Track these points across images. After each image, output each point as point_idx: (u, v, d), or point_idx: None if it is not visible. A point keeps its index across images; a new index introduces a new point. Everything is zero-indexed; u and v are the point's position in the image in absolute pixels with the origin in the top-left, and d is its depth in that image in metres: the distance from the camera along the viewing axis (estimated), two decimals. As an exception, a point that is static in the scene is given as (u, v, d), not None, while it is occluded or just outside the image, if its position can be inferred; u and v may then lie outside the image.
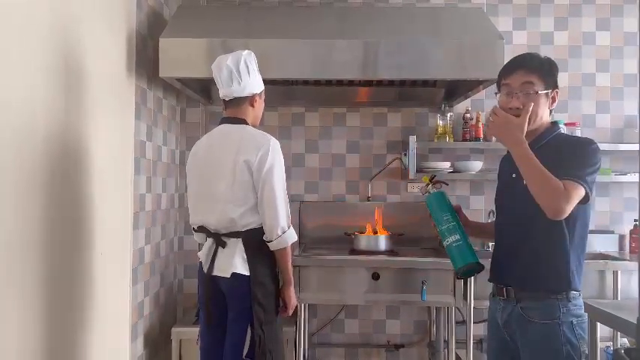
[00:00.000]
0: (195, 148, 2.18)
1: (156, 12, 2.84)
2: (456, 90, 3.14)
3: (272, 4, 3.39)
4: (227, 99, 2.11)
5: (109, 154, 2.26)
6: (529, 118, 1.69)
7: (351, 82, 3.20)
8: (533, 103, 1.69)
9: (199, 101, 3.32)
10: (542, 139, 1.75)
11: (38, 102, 1.71)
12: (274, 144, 2.04)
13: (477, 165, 3.19)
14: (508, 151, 1.77)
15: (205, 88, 3.25)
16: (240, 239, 2.03)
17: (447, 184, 1.83)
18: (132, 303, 2.54)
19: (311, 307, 3.26)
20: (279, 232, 2.01)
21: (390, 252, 2.91)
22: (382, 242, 2.94)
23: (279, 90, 3.22)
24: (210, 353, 2.13)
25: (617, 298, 2.76)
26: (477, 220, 2.29)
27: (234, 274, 2.00)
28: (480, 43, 2.56)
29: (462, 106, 3.31)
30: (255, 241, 2.04)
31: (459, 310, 3.03)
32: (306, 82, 3.16)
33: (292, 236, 2.06)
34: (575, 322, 1.67)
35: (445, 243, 1.76)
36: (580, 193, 1.60)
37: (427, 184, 1.86)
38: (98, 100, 2.15)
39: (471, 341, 2.81)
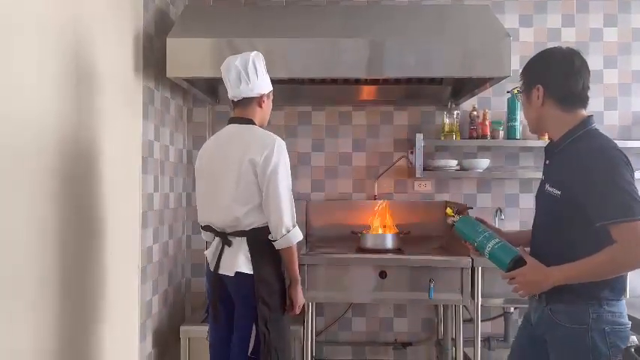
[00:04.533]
0: (204, 148, 2.20)
1: (163, 12, 2.85)
2: (463, 88, 3.14)
3: (278, 4, 3.39)
4: (235, 99, 2.13)
5: (117, 154, 2.28)
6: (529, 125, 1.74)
7: (357, 81, 3.20)
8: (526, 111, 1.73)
9: (206, 101, 3.34)
10: (563, 141, 1.65)
11: (50, 103, 1.73)
12: (280, 144, 2.05)
13: (483, 163, 3.19)
14: (545, 147, 1.74)
15: (212, 87, 3.26)
16: (244, 238, 2.05)
17: (472, 208, 1.84)
18: (141, 302, 2.56)
19: (318, 305, 3.27)
20: (284, 232, 2.03)
21: (397, 250, 2.91)
22: (389, 240, 2.94)
23: (285, 89, 3.22)
24: (217, 350, 2.17)
25: (626, 297, 2.74)
26: (510, 230, 2.18)
27: (237, 273, 2.03)
28: (487, 40, 2.55)
29: (468, 104, 3.30)
30: (259, 240, 2.05)
31: (467, 309, 3.02)
32: (312, 81, 3.17)
33: (297, 235, 2.07)
34: (608, 330, 1.55)
35: (487, 251, 1.71)
36: (638, 227, 1.43)
37: (453, 216, 1.87)
38: (106, 101, 2.16)
39: (479, 339, 2.80)
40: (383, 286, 2.72)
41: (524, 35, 3.38)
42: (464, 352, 2.87)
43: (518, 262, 1.62)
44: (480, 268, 2.72)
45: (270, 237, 2.05)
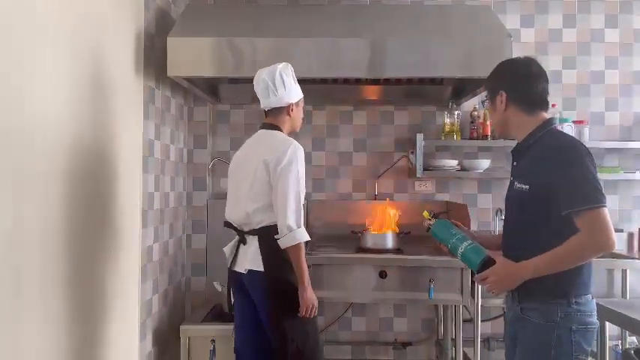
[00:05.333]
0: (237, 152, 2.33)
1: (163, 11, 2.85)
2: (464, 88, 3.14)
3: (279, 2, 3.39)
4: (266, 109, 2.25)
5: (119, 153, 2.28)
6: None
7: (358, 80, 3.20)
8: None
9: (207, 100, 3.33)
10: (527, 141, 1.76)
11: (55, 103, 1.73)
12: (295, 147, 2.13)
13: (484, 163, 3.19)
14: (512, 150, 1.85)
15: (213, 87, 3.26)
16: (256, 236, 2.13)
17: (447, 212, 1.92)
18: (141, 301, 2.56)
19: (318, 304, 3.26)
20: (286, 230, 2.06)
21: (397, 250, 2.91)
22: (389, 240, 2.93)
23: (285, 88, 3.22)
24: (240, 353, 2.25)
25: (625, 297, 2.75)
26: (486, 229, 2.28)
27: (249, 270, 2.12)
28: (488, 41, 2.55)
29: (469, 104, 3.30)
30: (269, 238, 2.10)
31: (467, 309, 3.03)
32: (313, 81, 3.16)
33: (301, 235, 2.08)
34: (575, 329, 1.62)
35: (459, 252, 1.79)
36: (600, 214, 1.53)
37: (429, 219, 1.93)
38: (107, 100, 2.17)
39: (479, 339, 2.80)
40: (383, 285, 2.72)
41: (525, 36, 3.37)
42: (463, 352, 2.87)
43: (488, 263, 1.69)
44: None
45: (276, 235, 2.09)
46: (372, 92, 3.35)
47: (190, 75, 2.65)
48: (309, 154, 3.42)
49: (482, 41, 2.56)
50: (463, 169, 3.20)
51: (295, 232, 2.06)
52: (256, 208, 2.11)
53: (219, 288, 2.91)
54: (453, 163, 3.18)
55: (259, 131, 2.27)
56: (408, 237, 3.05)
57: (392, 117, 3.42)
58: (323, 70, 2.61)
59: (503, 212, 3.25)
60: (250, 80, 3.07)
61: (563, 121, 3.18)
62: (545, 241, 1.61)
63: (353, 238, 3.05)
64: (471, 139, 3.25)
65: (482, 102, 1.84)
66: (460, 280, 2.69)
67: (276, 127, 2.23)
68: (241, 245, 2.18)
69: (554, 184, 1.60)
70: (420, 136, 3.08)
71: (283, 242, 2.07)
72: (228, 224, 2.27)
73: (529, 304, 1.69)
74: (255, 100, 3.31)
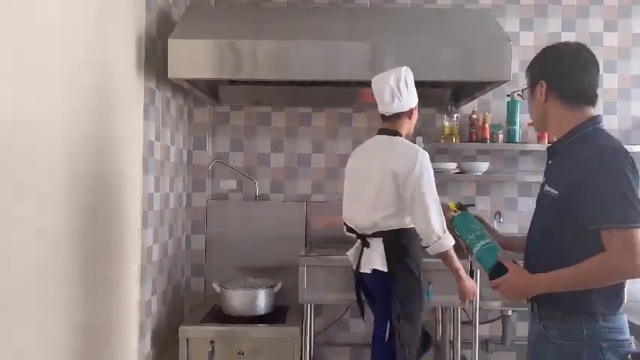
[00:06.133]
0: (354, 152, 2.46)
1: (165, 13, 2.86)
2: (463, 91, 3.15)
3: (279, 5, 3.40)
4: (387, 114, 2.29)
5: (119, 154, 2.28)
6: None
7: (357, 83, 3.20)
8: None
9: (207, 101, 3.34)
10: (565, 140, 1.57)
11: (57, 106, 1.73)
12: (422, 154, 2.21)
13: (483, 166, 3.20)
14: (547, 147, 1.66)
15: (213, 88, 3.27)
16: (381, 238, 2.24)
17: (474, 206, 1.83)
18: (140, 301, 2.57)
19: (316, 306, 3.27)
20: (435, 239, 2.17)
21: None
22: (388, 242, 2.94)
23: (285, 90, 3.23)
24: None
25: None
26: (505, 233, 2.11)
27: (374, 270, 2.24)
28: (488, 45, 2.56)
29: (468, 107, 3.31)
30: (394, 241, 2.22)
31: (465, 311, 3.03)
32: (312, 83, 3.17)
33: (449, 241, 2.18)
34: (605, 347, 1.44)
35: (475, 250, 1.70)
36: (632, 236, 1.35)
37: (454, 211, 1.86)
38: (109, 102, 2.17)
39: (477, 342, 2.82)
40: (382, 288, 2.72)
41: (524, 39, 3.39)
42: (461, 355, 2.88)
43: (497, 269, 1.58)
44: (477, 271, 2.73)
45: (422, 244, 2.23)
46: (371, 95, 3.34)
47: (191, 77, 2.65)
48: (308, 156, 3.43)
49: (481, 45, 2.57)
50: (462, 171, 3.21)
51: (443, 240, 2.18)
52: (383, 216, 2.22)
53: (217, 289, 2.91)
54: (452, 165, 3.19)
55: (381, 137, 2.32)
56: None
57: (391, 119, 3.42)
58: (323, 73, 2.61)
59: (502, 215, 3.31)
60: (251, 82, 3.12)
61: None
62: (568, 255, 1.46)
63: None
64: (469, 141, 3.27)
65: (522, 90, 1.69)
66: (459, 283, 2.70)
67: (397, 133, 2.28)
68: (365, 249, 2.29)
69: (584, 193, 1.42)
70: (419, 139, 3.09)
71: (433, 250, 2.20)
72: (350, 230, 2.39)
73: (550, 322, 1.53)
74: (255, 102, 3.39)
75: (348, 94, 3.32)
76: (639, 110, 3.38)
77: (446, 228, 2.17)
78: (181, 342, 2.76)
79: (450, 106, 3.33)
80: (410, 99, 2.26)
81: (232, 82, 3.18)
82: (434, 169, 3.10)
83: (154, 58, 2.67)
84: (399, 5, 3.38)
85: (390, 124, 2.30)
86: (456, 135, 3.24)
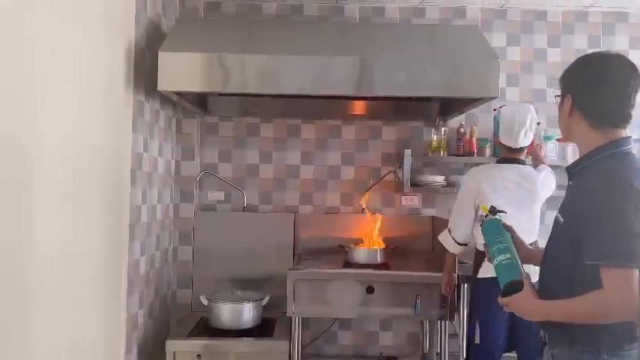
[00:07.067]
0: (492, 177, 2.58)
1: (154, 24, 2.85)
2: (451, 105, 3.18)
3: (269, 17, 3.41)
4: (514, 147, 2.57)
5: (107, 167, 2.27)
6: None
7: (347, 96, 3.22)
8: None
9: (195, 112, 3.33)
10: (583, 162, 1.47)
11: (43, 116, 1.72)
12: (547, 173, 2.66)
13: (470, 179, 3.23)
14: (566, 167, 1.56)
15: (202, 100, 3.26)
16: None
17: (505, 212, 1.78)
18: (127, 314, 2.54)
19: (304, 318, 3.27)
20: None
21: (384, 265, 2.93)
22: (376, 255, 2.96)
23: (275, 102, 3.24)
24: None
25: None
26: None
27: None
28: (476, 62, 2.58)
29: (456, 121, 3.35)
30: None
31: (452, 323, 3.05)
32: (301, 95, 3.18)
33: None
34: None
35: (495, 262, 1.66)
36: (629, 277, 1.27)
37: (486, 215, 1.82)
38: (98, 114, 2.16)
39: (464, 354, 2.83)
40: (370, 301, 2.73)
41: (511, 54, 3.44)
42: (449, 367, 2.89)
43: (512, 287, 1.55)
44: (465, 285, 2.75)
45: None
46: (360, 107, 3.38)
47: (181, 90, 2.64)
48: (297, 168, 3.44)
49: (469, 62, 2.59)
50: (449, 184, 3.24)
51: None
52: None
53: (205, 302, 2.90)
54: (439, 178, 3.22)
55: (519, 166, 2.59)
56: (395, 251, 3.08)
57: (380, 132, 3.45)
58: (312, 88, 2.59)
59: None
60: (241, 95, 3.11)
61: (547, 139, 3.24)
62: (573, 285, 1.39)
63: (340, 252, 3.07)
64: (457, 155, 3.30)
65: (556, 96, 1.57)
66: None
67: (523, 162, 2.62)
68: None
69: (587, 227, 1.34)
70: (407, 152, 3.12)
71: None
72: None
73: (557, 350, 1.47)
74: (244, 113, 3.39)
75: (338, 106, 3.33)
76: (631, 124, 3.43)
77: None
78: (168, 356, 2.73)
79: (437, 120, 3.36)
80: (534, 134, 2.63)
81: (222, 93, 3.17)
82: (422, 181, 3.19)
83: (143, 70, 2.65)
84: (387, 19, 3.41)
85: (518, 154, 2.61)
86: (444, 148, 3.27)
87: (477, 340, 2.53)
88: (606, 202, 1.33)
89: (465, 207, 2.63)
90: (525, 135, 2.54)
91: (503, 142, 2.60)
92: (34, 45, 1.67)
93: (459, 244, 2.64)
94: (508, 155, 2.61)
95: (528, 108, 2.58)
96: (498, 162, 2.66)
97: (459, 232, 2.64)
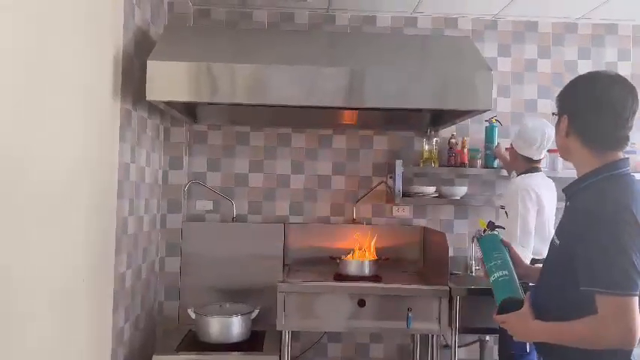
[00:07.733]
0: (539, 188, 2.68)
1: (143, 31, 2.80)
2: (442, 116, 3.17)
3: (260, 24, 3.37)
4: (534, 158, 2.74)
5: (93, 178, 2.20)
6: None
7: (337, 107, 3.19)
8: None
9: (184, 121, 3.28)
10: (579, 183, 1.45)
11: (28, 126, 1.66)
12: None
13: (461, 190, 3.22)
14: (563, 189, 1.54)
15: (190, 108, 3.21)
16: None
17: (504, 228, 1.76)
18: (113, 329, 2.47)
19: (294, 331, 3.23)
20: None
21: (375, 277, 2.90)
22: (367, 267, 2.93)
23: (265, 110, 3.19)
24: None
25: None
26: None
27: None
28: (469, 74, 2.56)
29: (447, 131, 3.33)
30: None
31: (443, 335, 3.03)
32: (292, 105, 3.14)
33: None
34: None
35: (492, 279, 1.66)
36: (624, 304, 1.25)
37: (484, 230, 1.82)
38: (84, 124, 2.10)
39: (455, 366, 2.81)
40: (361, 314, 2.70)
41: (502, 65, 3.44)
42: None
43: (508, 304, 1.54)
44: (457, 298, 2.73)
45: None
46: (351, 117, 3.35)
47: (170, 99, 2.59)
48: (287, 177, 3.40)
49: (462, 74, 2.57)
50: (441, 195, 3.22)
51: None
52: None
53: (192, 315, 2.84)
54: (430, 189, 3.20)
55: (543, 174, 2.78)
56: (387, 263, 3.04)
57: (371, 142, 3.42)
58: (302, 99, 2.55)
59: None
60: (231, 104, 3.06)
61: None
62: (568, 307, 1.38)
63: (331, 263, 3.03)
64: (448, 166, 3.28)
65: (553, 114, 1.56)
66: (438, 309, 2.69)
67: (540, 170, 2.79)
68: None
69: (581, 252, 1.32)
70: (398, 162, 3.10)
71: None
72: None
73: None
74: (233, 121, 3.34)
75: (329, 116, 3.30)
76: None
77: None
78: (155, 371, 2.67)
79: (429, 130, 3.35)
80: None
81: (211, 102, 3.12)
82: (413, 192, 3.17)
83: (131, 78, 2.60)
84: (379, 29, 3.39)
85: (539, 164, 2.78)
86: (435, 159, 3.26)
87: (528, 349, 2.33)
88: (601, 226, 1.30)
89: (531, 219, 2.62)
90: (545, 147, 2.75)
91: (525, 154, 2.74)
92: (16, 54, 1.62)
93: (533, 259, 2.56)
94: (533, 165, 2.76)
95: (547, 123, 2.72)
96: (527, 172, 2.75)
97: (532, 246, 2.59)
